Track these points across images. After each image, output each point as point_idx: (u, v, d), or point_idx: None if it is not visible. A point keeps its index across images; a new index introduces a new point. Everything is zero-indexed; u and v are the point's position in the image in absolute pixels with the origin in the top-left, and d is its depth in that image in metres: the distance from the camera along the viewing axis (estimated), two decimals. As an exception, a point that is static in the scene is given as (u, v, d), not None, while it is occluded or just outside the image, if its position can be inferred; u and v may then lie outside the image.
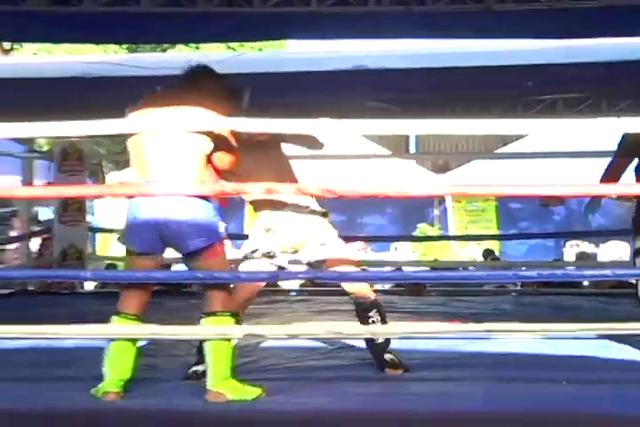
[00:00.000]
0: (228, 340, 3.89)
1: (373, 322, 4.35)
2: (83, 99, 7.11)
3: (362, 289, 4.41)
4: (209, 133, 3.88)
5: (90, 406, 3.81)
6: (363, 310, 4.42)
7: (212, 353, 3.88)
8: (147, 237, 3.92)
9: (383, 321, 4.37)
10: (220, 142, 3.94)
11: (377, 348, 4.42)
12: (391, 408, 3.77)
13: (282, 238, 4.38)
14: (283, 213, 4.38)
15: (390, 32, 6.22)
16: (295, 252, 4.38)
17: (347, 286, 4.41)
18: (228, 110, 3.93)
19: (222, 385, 3.86)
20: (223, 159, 3.99)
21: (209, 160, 3.97)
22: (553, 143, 9.37)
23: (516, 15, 5.87)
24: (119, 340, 3.93)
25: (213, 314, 3.92)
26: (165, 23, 5.85)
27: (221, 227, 3.94)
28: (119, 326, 3.93)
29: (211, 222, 3.92)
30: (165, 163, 3.94)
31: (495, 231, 14.20)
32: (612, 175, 4.62)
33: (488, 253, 11.57)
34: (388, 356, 4.42)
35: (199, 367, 4.19)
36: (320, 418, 3.67)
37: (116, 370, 3.92)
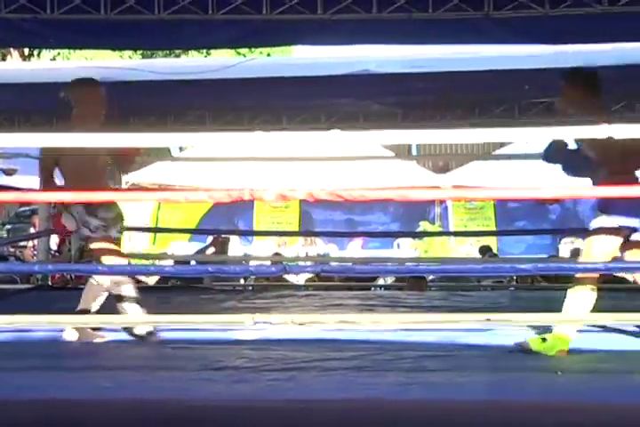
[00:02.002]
0: None
1: None
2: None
3: None
4: None
5: (105, 397, 3.82)
6: None
7: None
8: None
9: None
10: None
11: None
12: (392, 397, 3.78)
13: None
14: None
15: (393, 38, 6.22)
16: None
17: None
18: None
19: None
20: None
21: None
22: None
23: (513, 21, 5.88)
24: None
25: None
26: (178, 30, 5.85)
27: None
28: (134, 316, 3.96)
29: None
30: None
31: (493, 229, 14.21)
32: None
33: (485, 250, 11.51)
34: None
35: None
36: (325, 407, 3.68)
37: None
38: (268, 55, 18.06)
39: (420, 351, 4.59)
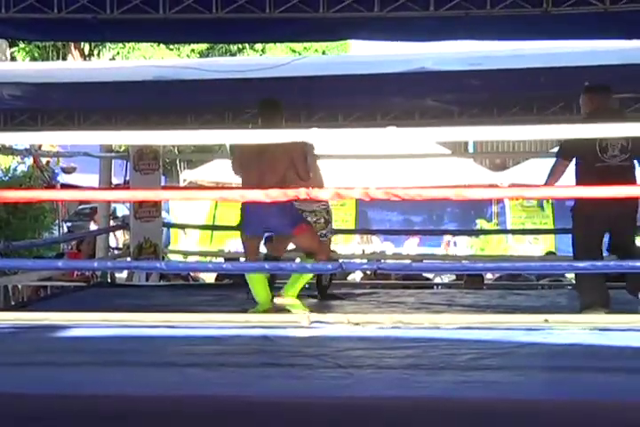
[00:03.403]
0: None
1: None
2: (157, 101, 7.20)
3: None
4: None
5: (171, 393, 3.86)
6: None
7: (297, 279, 5.20)
8: None
9: None
10: None
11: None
12: (448, 396, 3.76)
13: None
14: None
15: (450, 35, 6.20)
16: None
17: None
18: None
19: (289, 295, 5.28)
20: None
21: None
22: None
23: (572, 17, 5.82)
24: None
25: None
26: (236, 27, 5.90)
27: None
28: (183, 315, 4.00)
29: None
30: None
31: (551, 227, 14.06)
32: (554, 177, 5.65)
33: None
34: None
35: None
36: (380, 405, 3.68)
37: (264, 293, 5.27)
38: (324, 53, 18.10)
39: (477, 349, 4.56)
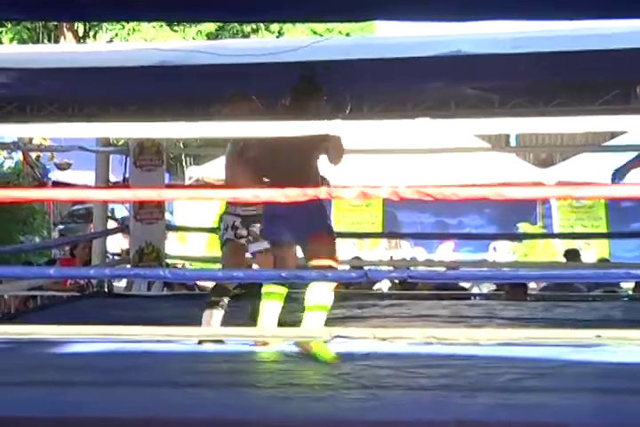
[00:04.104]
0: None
1: None
2: (160, 89, 7.22)
3: None
4: None
5: (183, 415, 3.88)
6: None
7: (310, 316, 4.74)
8: None
9: None
10: None
11: None
12: (485, 420, 3.77)
13: None
14: None
15: (488, 13, 6.16)
16: None
17: None
18: None
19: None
20: None
21: None
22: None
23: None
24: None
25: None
26: (251, 3, 5.88)
27: None
28: (198, 329, 4.03)
29: None
30: None
31: (604, 231, 14.02)
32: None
33: (572, 255, 11.02)
34: None
35: None
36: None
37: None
38: (347, 35, 18.10)
39: (518, 368, 4.56)
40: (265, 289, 5.22)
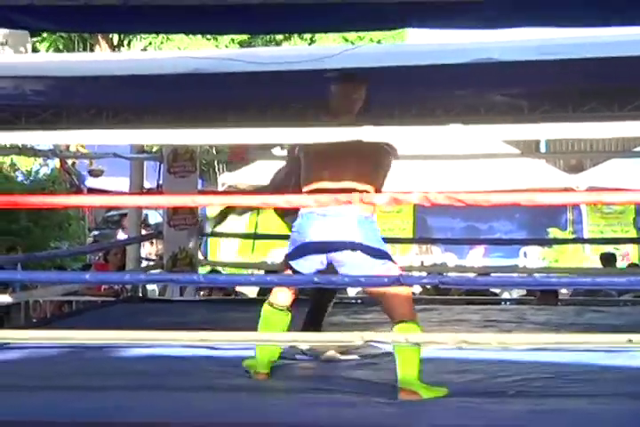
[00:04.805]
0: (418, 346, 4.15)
1: None
2: (194, 96, 7.23)
3: None
4: None
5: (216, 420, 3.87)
6: None
7: (401, 356, 4.24)
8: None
9: None
10: None
11: None
12: (522, 425, 3.74)
13: None
14: None
15: (518, 21, 6.13)
16: None
17: None
18: None
19: (412, 385, 4.20)
20: None
21: None
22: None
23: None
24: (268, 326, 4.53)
25: (404, 322, 4.31)
26: (281, 14, 5.88)
27: None
28: (228, 333, 4.02)
29: None
30: None
31: (634, 236, 13.92)
32: None
33: (609, 259, 11.01)
34: None
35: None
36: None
37: (265, 353, 4.55)
38: (379, 42, 18.09)
39: (551, 374, 4.52)
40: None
